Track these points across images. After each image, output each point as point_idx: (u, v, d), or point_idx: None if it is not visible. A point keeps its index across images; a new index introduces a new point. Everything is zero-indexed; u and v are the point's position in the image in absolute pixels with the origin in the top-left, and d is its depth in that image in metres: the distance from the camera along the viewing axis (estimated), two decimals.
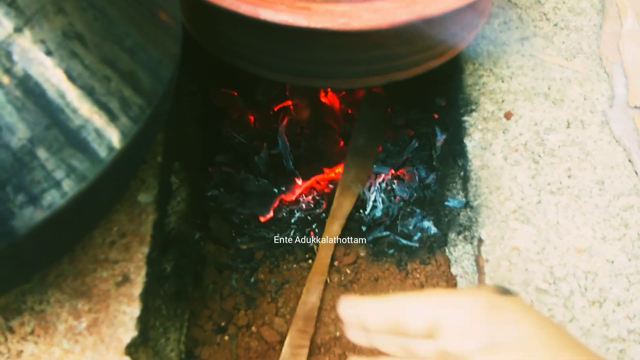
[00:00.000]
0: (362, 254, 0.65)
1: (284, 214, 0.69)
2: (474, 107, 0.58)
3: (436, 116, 0.72)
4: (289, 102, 0.79)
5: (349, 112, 0.79)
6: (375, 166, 0.73)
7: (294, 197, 0.71)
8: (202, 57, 0.62)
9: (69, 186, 0.32)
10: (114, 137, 0.34)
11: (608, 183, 0.52)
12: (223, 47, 0.57)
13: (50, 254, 0.38)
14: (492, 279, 0.46)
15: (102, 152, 0.33)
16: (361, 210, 0.70)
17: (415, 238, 0.65)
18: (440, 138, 0.69)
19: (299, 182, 0.72)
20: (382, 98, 0.79)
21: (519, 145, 0.54)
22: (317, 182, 0.73)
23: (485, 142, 0.55)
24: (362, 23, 0.48)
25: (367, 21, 0.48)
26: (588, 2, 0.69)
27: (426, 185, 0.71)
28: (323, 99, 0.79)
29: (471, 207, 0.52)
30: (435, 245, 0.64)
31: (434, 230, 0.65)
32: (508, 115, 0.57)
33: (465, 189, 0.55)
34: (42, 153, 0.31)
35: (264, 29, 0.50)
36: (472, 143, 0.55)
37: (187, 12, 0.60)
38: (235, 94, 0.78)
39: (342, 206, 0.69)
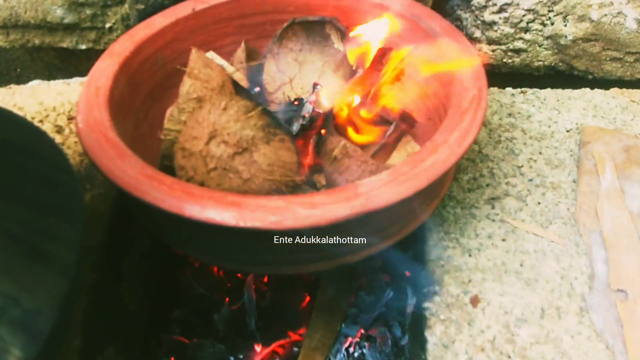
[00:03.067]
0: None
1: None
2: (436, 288, 0.52)
3: (408, 274, 0.66)
4: None
5: None
6: (343, 325, 0.67)
7: None
8: None
9: None
10: None
11: None
12: (161, 234, 0.52)
13: None
14: None
15: None
16: None
17: None
18: (410, 302, 0.63)
19: (259, 348, 0.65)
20: None
21: (485, 343, 0.48)
22: (280, 346, 0.67)
23: (448, 339, 0.48)
24: (296, 221, 0.43)
25: (303, 219, 0.43)
26: (567, 152, 0.64)
27: (400, 348, 0.64)
28: None
29: None
30: None
31: None
32: (474, 301, 0.50)
33: None
34: None
35: (192, 224, 0.46)
36: (433, 339, 0.48)
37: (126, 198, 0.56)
38: None
39: None
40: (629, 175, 0.59)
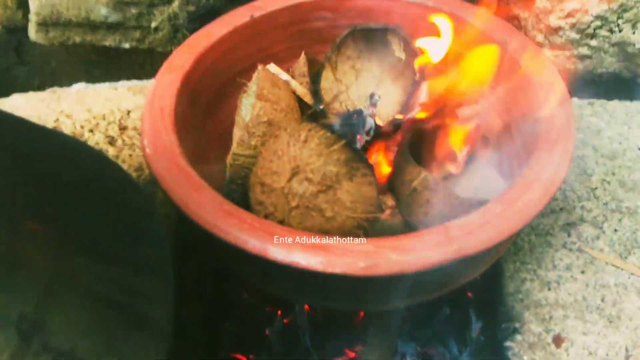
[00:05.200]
0: None
1: None
2: (517, 325, 0.50)
3: (470, 295, 0.64)
4: None
5: None
6: (399, 342, 0.66)
7: None
8: None
9: None
10: None
11: None
12: (238, 271, 0.51)
13: None
14: None
15: None
16: None
17: None
18: (476, 326, 0.61)
19: None
20: None
21: None
22: None
23: None
24: (387, 268, 0.41)
25: (394, 265, 0.41)
26: None
27: None
28: None
29: None
30: None
31: None
32: (558, 341, 0.49)
33: None
34: None
35: (273, 264, 0.43)
36: None
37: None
38: None
39: None
40: None
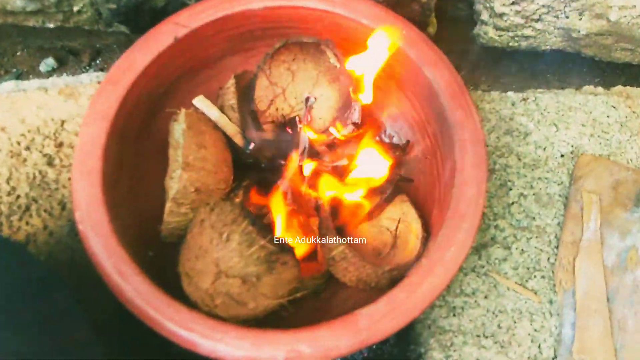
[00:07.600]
0: None
1: None
2: (422, 350, 0.59)
3: None
4: None
5: None
6: None
7: None
8: None
9: None
10: None
11: None
12: None
13: None
14: None
15: None
16: None
17: None
18: None
19: None
20: None
21: None
22: None
23: None
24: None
25: (308, 357, 0.48)
26: (557, 185, 0.65)
27: None
28: None
29: None
30: None
31: None
32: None
33: None
34: None
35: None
36: None
37: None
38: None
39: None
40: (611, 220, 0.62)
